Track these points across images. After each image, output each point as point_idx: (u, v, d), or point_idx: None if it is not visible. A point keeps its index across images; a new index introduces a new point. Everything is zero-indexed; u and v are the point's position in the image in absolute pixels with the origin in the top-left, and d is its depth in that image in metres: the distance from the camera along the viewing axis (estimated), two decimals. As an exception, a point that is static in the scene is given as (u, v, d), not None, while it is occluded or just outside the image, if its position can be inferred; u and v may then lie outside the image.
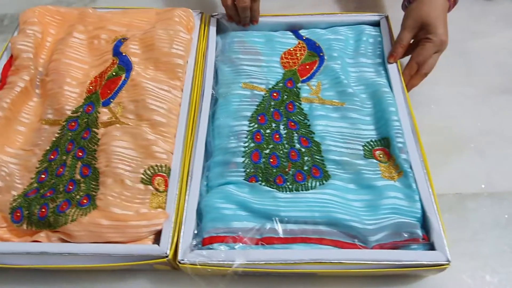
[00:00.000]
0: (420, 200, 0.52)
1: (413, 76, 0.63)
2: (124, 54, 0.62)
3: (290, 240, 0.49)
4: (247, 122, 0.58)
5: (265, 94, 0.61)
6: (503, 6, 0.81)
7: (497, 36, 0.77)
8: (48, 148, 0.55)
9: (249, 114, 0.59)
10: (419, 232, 0.49)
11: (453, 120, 0.65)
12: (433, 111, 0.67)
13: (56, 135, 0.56)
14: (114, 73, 0.60)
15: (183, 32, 0.64)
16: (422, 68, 0.62)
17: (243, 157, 0.55)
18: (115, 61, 0.61)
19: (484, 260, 0.53)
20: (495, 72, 0.71)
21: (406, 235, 0.49)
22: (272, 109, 0.60)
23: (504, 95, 0.68)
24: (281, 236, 0.49)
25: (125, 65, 0.60)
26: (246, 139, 0.57)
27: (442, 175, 0.58)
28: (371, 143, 0.57)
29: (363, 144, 0.57)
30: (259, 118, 0.59)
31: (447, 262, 0.47)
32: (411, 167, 0.54)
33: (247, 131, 0.57)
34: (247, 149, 0.56)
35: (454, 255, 0.47)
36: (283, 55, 0.66)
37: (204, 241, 0.49)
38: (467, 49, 0.74)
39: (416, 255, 0.47)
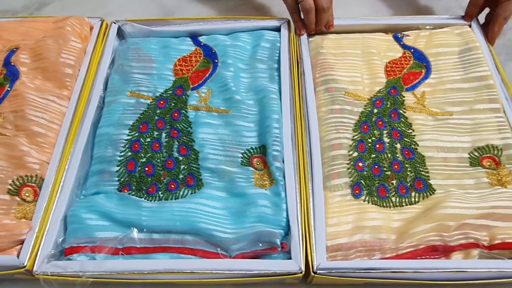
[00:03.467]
0: (287, 209, 0.52)
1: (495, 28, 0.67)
2: (13, 64, 0.62)
3: (150, 249, 0.50)
4: (127, 131, 0.58)
5: (150, 102, 0.62)
6: None
7: None
8: None
9: (130, 122, 0.59)
10: (278, 241, 0.50)
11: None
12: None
13: None
14: (-2, 84, 0.60)
15: (74, 41, 0.64)
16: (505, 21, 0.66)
17: (118, 166, 0.56)
18: (2, 71, 0.62)
19: None
20: None
21: (266, 244, 0.50)
22: (156, 117, 0.60)
23: None
24: (139, 245, 0.49)
25: (11, 75, 0.61)
26: (123, 148, 0.57)
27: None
28: (251, 150, 0.57)
29: (243, 151, 0.57)
30: (140, 126, 0.59)
31: (300, 272, 0.47)
32: (284, 176, 0.54)
33: (126, 140, 0.58)
34: (122, 158, 0.56)
35: None
36: (177, 62, 0.66)
37: (66, 252, 0.50)
38: None
39: (268, 264, 0.48)
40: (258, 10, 0.82)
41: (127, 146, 0.57)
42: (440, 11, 0.83)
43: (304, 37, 0.68)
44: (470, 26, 0.69)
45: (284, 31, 0.68)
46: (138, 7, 0.84)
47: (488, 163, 0.55)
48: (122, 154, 0.56)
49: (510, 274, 0.47)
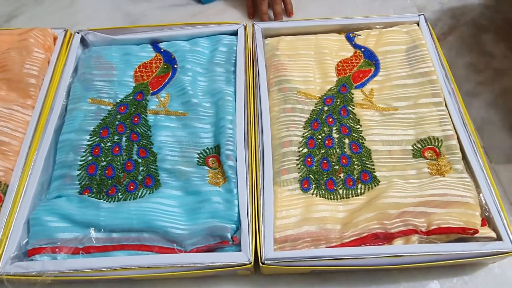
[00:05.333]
0: (238, 204, 0.55)
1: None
2: (-22, 76, 0.65)
3: (109, 248, 0.53)
4: (88, 137, 0.61)
5: (111, 108, 0.64)
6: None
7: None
8: None
9: (91, 128, 0.62)
10: (229, 235, 0.52)
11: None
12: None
13: None
14: (-37, 96, 0.63)
15: (37, 52, 0.67)
16: None
17: (79, 170, 0.58)
18: (-33, 84, 0.65)
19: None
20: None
21: (218, 238, 0.53)
22: (117, 122, 0.63)
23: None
24: (96, 244, 0.52)
25: (-24, 87, 0.64)
26: (84, 153, 0.60)
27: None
28: (206, 150, 0.60)
29: (199, 152, 0.60)
30: (101, 132, 0.62)
31: (249, 262, 0.50)
32: (236, 173, 0.57)
33: (87, 145, 0.60)
34: (83, 162, 0.59)
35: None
36: (137, 69, 0.69)
37: (29, 253, 0.53)
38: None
39: (220, 257, 0.51)
40: (220, 15, 0.86)
41: (87, 151, 0.60)
42: (396, 11, 0.86)
43: (260, 39, 0.71)
44: (418, 24, 0.72)
45: (240, 35, 0.71)
46: (104, 16, 0.87)
47: (429, 154, 0.58)
48: (83, 158, 0.59)
49: (445, 257, 0.50)
